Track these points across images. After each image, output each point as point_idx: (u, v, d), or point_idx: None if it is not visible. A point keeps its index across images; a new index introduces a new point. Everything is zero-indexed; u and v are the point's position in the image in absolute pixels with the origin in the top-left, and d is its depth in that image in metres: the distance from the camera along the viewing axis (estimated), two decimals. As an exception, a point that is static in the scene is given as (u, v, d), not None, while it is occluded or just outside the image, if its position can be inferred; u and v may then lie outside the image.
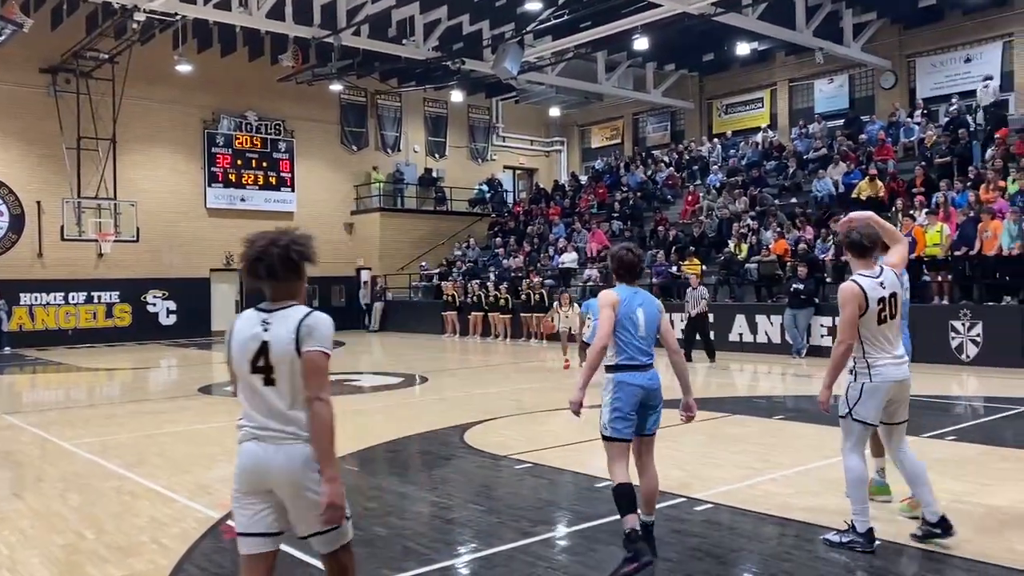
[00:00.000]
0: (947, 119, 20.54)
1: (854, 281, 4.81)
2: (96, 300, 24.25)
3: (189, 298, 25.64)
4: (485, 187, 31.72)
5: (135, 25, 19.55)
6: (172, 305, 25.52)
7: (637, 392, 4.61)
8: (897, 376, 4.87)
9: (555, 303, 16.90)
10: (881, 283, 4.80)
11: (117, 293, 24.62)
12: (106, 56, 22.51)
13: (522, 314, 21.67)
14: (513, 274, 23.86)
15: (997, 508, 5.66)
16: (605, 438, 4.67)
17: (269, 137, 27.56)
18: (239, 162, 26.90)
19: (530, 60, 23.08)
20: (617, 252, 4.94)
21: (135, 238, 23.95)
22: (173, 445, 8.61)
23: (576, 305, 15.53)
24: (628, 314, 4.67)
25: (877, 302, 4.75)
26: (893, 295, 4.83)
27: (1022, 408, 9.76)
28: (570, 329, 15.80)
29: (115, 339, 23.85)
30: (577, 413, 4.64)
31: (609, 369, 4.68)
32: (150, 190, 25.02)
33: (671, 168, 26.57)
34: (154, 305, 25.29)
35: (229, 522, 3.25)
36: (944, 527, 4.81)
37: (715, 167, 24.93)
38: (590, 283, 21.18)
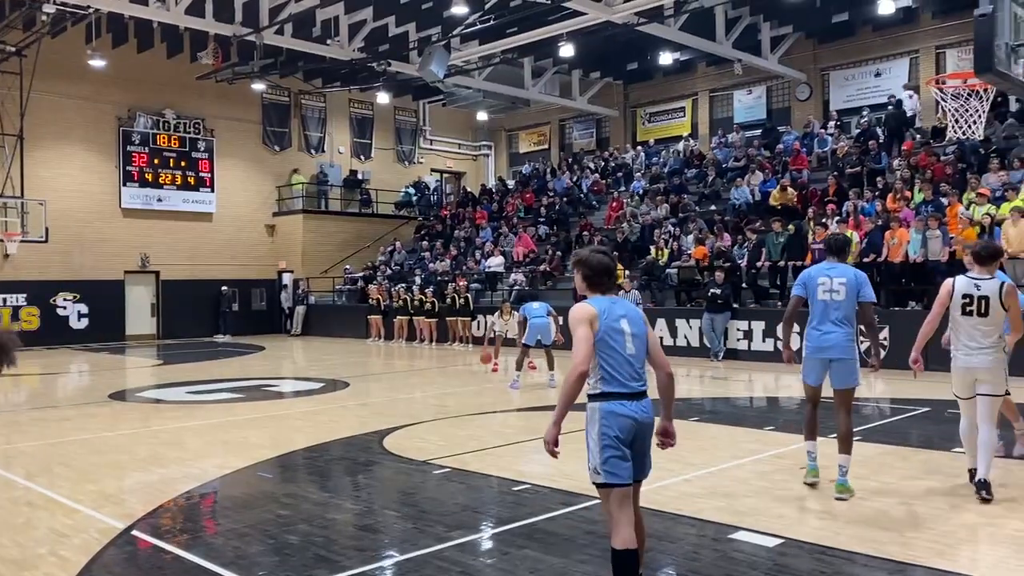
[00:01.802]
0: (858, 131, 21.36)
1: (953, 276, 6.09)
2: (1, 303, 23.19)
3: (102, 301, 24.75)
4: (412, 190, 31.55)
5: (44, 17, 18.82)
6: (84, 308, 24.60)
7: (629, 425, 3.83)
8: (960, 364, 5.99)
9: (497, 313, 16.92)
10: (977, 285, 5.87)
11: (24, 295, 23.61)
12: (13, 49, 21.56)
13: (448, 318, 21.60)
14: (439, 278, 23.80)
15: (892, 505, 5.90)
16: (600, 485, 3.85)
17: (188, 136, 26.85)
18: (156, 161, 26.12)
19: (457, 64, 23.07)
20: (587, 256, 4.06)
21: (44, 238, 22.97)
22: (79, 454, 8.29)
23: (515, 313, 15.51)
24: (611, 329, 3.88)
25: (962, 296, 5.87)
26: (984, 298, 5.81)
27: (924, 409, 10.20)
28: (506, 333, 15.86)
29: (22, 343, 22.80)
30: (554, 454, 3.87)
31: (592, 398, 3.90)
32: (61, 189, 24.08)
33: (596, 174, 26.92)
34: (64, 308, 24.34)
35: None
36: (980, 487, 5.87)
37: (638, 174, 25.36)
38: (516, 287, 21.29)
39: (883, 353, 7.02)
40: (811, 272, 6.37)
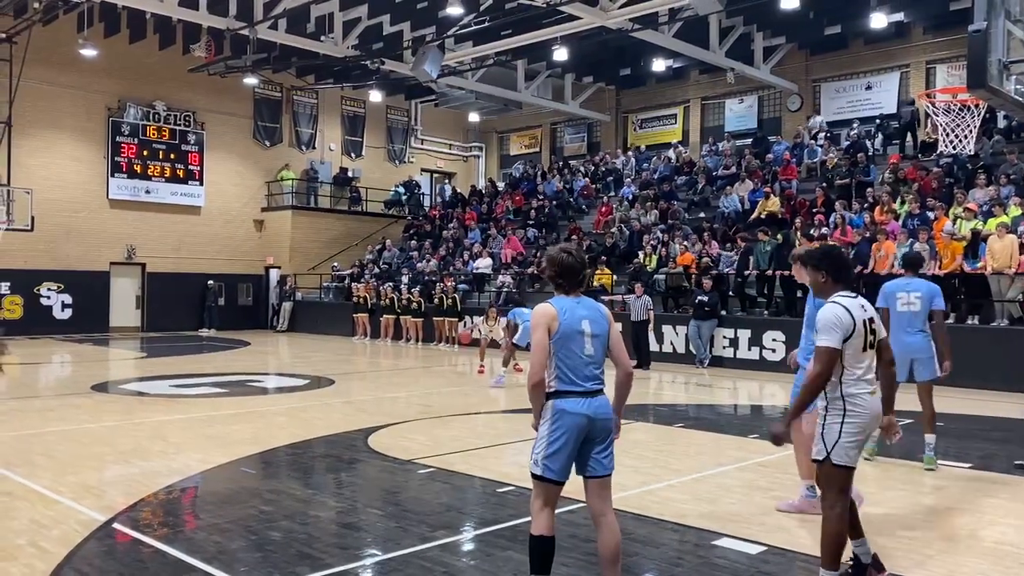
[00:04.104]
0: (848, 143, 21.51)
1: None
2: (-15, 291, 23.05)
3: (86, 292, 24.58)
4: (401, 189, 31.50)
5: (37, 4, 18.70)
6: (68, 298, 24.43)
7: (580, 423, 3.87)
8: None
9: (483, 316, 16.97)
10: None
11: (8, 284, 23.42)
12: (4, 35, 21.42)
13: (435, 318, 21.57)
14: (427, 278, 23.76)
15: (873, 516, 5.92)
16: (536, 476, 3.95)
17: (178, 128, 26.72)
18: (145, 153, 25.98)
19: (450, 64, 23.05)
20: (555, 255, 4.04)
21: (30, 227, 22.79)
22: (60, 444, 8.22)
23: (502, 318, 15.51)
24: (571, 330, 3.91)
25: None
26: None
27: (908, 421, 10.24)
28: (491, 337, 15.89)
29: (4, 332, 22.62)
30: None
31: (548, 395, 3.96)
32: (48, 177, 23.92)
33: (587, 179, 26.96)
34: (48, 298, 24.17)
35: None
36: None
37: (629, 180, 25.41)
38: (505, 288, 21.28)
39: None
40: (892, 287, 7.37)
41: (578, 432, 3.89)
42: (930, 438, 7.29)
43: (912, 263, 7.61)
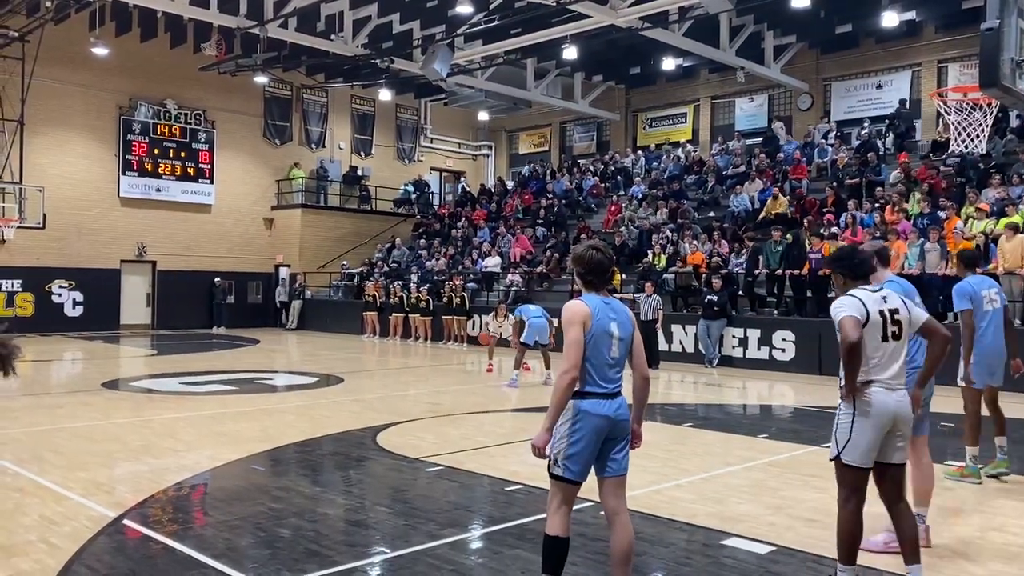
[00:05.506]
0: (858, 142, 21.41)
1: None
2: (-4, 288, 23.20)
3: (97, 289, 24.72)
4: (411, 187, 31.53)
5: (49, 3, 18.78)
6: (79, 296, 24.57)
7: (601, 424, 3.87)
8: None
9: (492, 313, 17.00)
10: None
11: (19, 281, 23.56)
12: (16, 34, 21.51)
13: (444, 317, 21.60)
14: (435, 276, 23.79)
15: (885, 517, 5.88)
16: (554, 476, 3.94)
17: (189, 127, 26.83)
18: (156, 151, 26.10)
19: (460, 63, 23.07)
20: (583, 252, 4.00)
21: (41, 225, 22.93)
22: (70, 441, 8.27)
23: (511, 315, 15.52)
24: (602, 331, 3.89)
25: None
26: None
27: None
28: (500, 335, 15.89)
29: (16, 330, 22.50)
30: (542, 456, 3.92)
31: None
32: (59, 175, 24.06)
33: (596, 177, 26.93)
34: (59, 295, 24.30)
35: None
36: None
37: (638, 179, 25.36)
38: (513, 287, 21.28)
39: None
40: (974, 288, 6.62)
41: (598, 433, 3.88)
42: (1004, 440, 6.96)
43: (974, 261, 7.03)
